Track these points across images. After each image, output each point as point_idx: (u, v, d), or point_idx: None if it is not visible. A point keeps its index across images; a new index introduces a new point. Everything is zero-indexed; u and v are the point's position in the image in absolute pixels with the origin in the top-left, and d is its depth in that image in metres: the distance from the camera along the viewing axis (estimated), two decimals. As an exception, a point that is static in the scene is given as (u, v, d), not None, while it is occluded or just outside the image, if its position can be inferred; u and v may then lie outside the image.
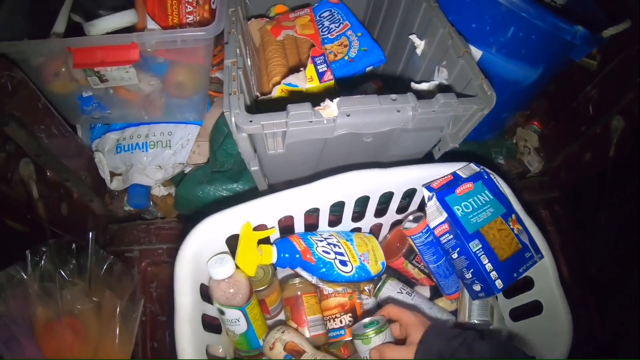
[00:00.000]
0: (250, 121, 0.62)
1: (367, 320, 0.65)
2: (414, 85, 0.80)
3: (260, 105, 0.80)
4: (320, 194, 0.71)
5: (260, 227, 0.72)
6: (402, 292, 0.80)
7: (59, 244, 0.79)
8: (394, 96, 0.68)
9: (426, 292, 0.86)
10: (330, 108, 0.64)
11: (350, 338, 0.79)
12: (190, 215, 0.95)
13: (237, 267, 0.69)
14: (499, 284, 0.70)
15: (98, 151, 0.98)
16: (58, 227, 0.87)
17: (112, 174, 1.00)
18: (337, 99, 0.65)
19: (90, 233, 0.78)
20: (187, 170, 0.99)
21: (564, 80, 1.05)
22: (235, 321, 0.71)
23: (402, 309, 0.64)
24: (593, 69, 1.00)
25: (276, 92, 0.77)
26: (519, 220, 0.77)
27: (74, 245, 0.80)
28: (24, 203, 0.83)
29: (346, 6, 0.97)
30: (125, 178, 0.99)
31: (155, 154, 0.98)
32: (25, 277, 0.76)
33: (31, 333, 0.75)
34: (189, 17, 0.84)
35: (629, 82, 0.92)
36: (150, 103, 0.90)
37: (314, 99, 0.66)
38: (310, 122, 0.64)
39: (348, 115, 0.65)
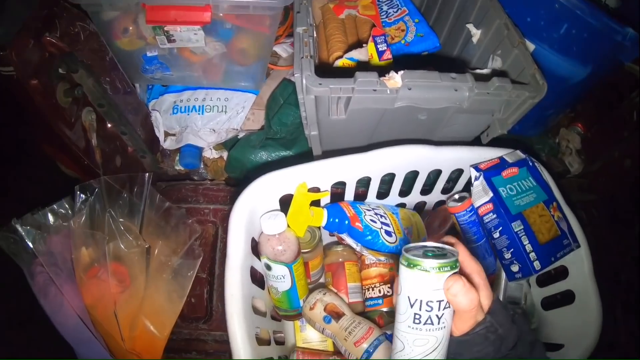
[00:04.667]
0: (320, 84, 0.71)
1: (438, 247, 0.48)
2: (470, 71, 0.88)
3: (321, 75, 0.89)
4: (374, 163, 0.78)
5: (314, 190, 0.80)
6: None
7: (111, 182, 0.83)
8: (453, 75, 0.76)
9: (462, 273, 0.94)
10: (395, 79, 0.73)
11: (387, 309, 0.88)
12: (239, 179, 1.04)
13: (288, 225, 0.77)
14: (537, 265, 0.78)
15: (155, 110, 1.08)
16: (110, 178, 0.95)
17: (166, 134, 1.10)
18: (402, 71, 0.73)
19: (147, 174, 0.84)
20: (241, 135, 1.08)
21: (610, 86, 1.13)
22: (281, 278, 0.77)
23: (475, 261, 0.49)
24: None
25: (337, 65, 0.86)
26: (560, 208, 0.84)
27: (127, 185, 0.85)
28: (83, 150, 0.91)
29: (405, -7, 1.06)
30: (179, 138, 1.08)
31: (211, 118, 1.07)
32: (70, 214, 0.80)
33: (73, 277, 0.78)
34: (258, -13, 0.93)
35: (675, 90, 1.00)
36: (212, 67, 0.99)
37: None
38: (375, 90, 0.72)
39: (409, 89, 0.74)
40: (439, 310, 0.45)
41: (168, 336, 0.85)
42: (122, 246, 0.79)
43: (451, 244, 0.49)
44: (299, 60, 0.73)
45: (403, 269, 0.46)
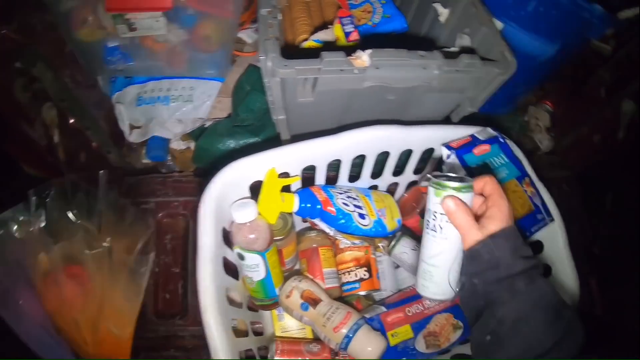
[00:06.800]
0: (285, 65, 0.66)
1: (455, 176, 0.56)
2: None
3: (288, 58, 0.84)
4: (344, 146, 0.74)
5: (284, 176, 0.75)
6: (416, 250, 0.84)
7: (67, 184, 0.77)
8: (422, 52, 0.72)
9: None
10: (362, 58, 0.68)
11: (364, 293, 0.84)
12: (208, 170, 0.98)
13: (259, 213, 0.72)
14: (512, 241, 0.75)
15: (119, 103, 1.01)
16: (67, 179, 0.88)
17: (132, 127, 1.03)
18: (370, 50, 0.69)
19: (102, 172, 0.79)
20: (207, 125, 1.03)
21: (578, 63, 1.10)
22: (255, 267, 0.73)
23: (502, 191, 0.56)
24: (607, 53, 1.05)
25: (304, 47, 0.81)
26: (532, 183, 0.81)
27: (85, 184, 0.79)
28: (45, 147, 0.85)
29: (370, -26, 1.01)
30: (144, 130, 1.02)
31: (177, 108, 1.01)
32: (28, 218, 0.73)
33: (31, 282, 0.72)
34: (219, -29, 0.87)
35: (642, 67, 0.97)
36: (175, 56, 0.93)
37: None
38: (342, 70, 0.68)
39: (378, 68, 0.70)
40: (440, 221, 0.54)
41: (132, 334, 0.79)
42: (82, 247, 0.73)
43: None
44: (264, 42, 0.68)
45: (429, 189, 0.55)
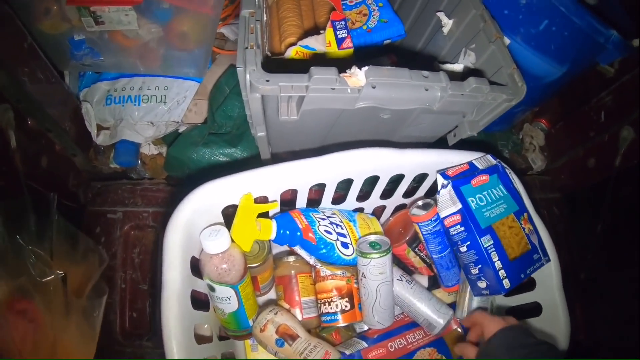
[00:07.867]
0: (267, 81, 0.54)
1: (372, 239, 0.68)
2: (440, 65, 0.72)
3: (271, 66, 0.71)
4: (330, 169, 0.62)
5: (261, 199, 0.64)
6: (401, 280, 0.74)
7: (15, 204, 0.65)
8: (426, 73, 0.60)
9: (424, 281, 0.81)
10: (357, 77, 0.57)
11: (345, 324, 0.74)
12: (180, 178, 0.85)
13: (232, 241, 0.61)
14: (506, 283, 0.65)
15: (86, 101, 0.87)
16: (36, 181, 0.75)
17: (100, 127, 0.89)
18: (366, 67, 0.57)
19: (52, 194, 0.66)
20: (182, 129, 0.90)
21: (579, 83, 0.99)
22: (226, 299, 0.62)
23: (485, 315, 0.65)
24: (610, 76, 0.95)
25: (290, 53, 0.68)
26: (530, 220, 0.72)
27: (33, 206, 0.66)
28: (1, 153, 0.71)
29: (369, -27, 0.88)
30: (113, 133, 0.88)
31: (148, 109, 0.87)
32: None
33: None
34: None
35: (646, 95, 0.88)
36: (148, 53, 0.79)
37: (332, 65, 0.57)
38: (333, 89, 0.56)
39: (374, 87, 0.58)
40: (360, 280, 0.68)
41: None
42: (33, 277, 0.61)
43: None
44: (243, 51, 0.56)
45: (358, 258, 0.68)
